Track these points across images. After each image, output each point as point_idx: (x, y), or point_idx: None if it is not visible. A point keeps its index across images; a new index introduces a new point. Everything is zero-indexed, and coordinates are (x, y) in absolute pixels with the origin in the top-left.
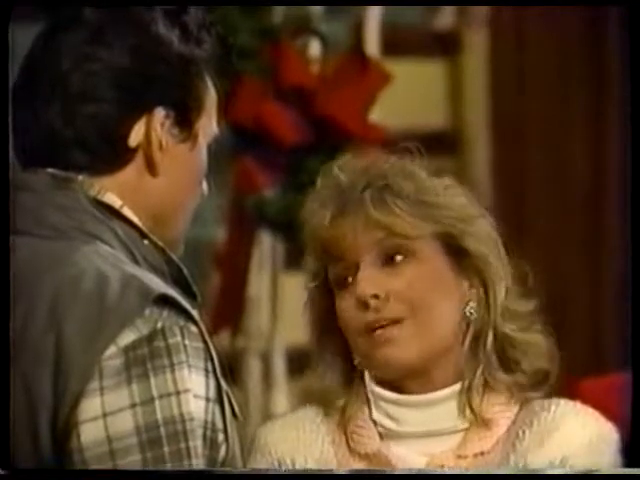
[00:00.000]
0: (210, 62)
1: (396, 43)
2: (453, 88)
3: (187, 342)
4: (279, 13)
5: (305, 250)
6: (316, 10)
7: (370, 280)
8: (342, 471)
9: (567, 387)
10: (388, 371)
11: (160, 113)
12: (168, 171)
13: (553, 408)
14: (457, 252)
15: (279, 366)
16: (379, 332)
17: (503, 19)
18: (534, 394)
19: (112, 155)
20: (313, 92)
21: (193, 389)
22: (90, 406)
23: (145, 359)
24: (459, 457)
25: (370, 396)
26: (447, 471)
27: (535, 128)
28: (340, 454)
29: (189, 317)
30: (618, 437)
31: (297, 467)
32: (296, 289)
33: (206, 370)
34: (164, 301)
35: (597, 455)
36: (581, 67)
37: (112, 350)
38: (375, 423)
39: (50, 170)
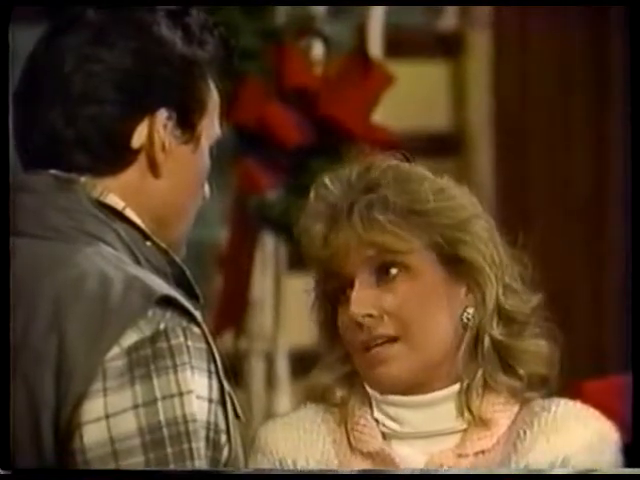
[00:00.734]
0: (212, 64)
1: (399, 44)
2: (456, 89)
3: (190, 343)
4: (282, 14)
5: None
6: (319, 11)
7: (363, 299)
8: (344, 471)
9: (568, 388)
10: (383, 389)
11: (163, 114)
12: (171, 173)
13: (554, 408)
14: (452, 259)
15: (282, 367)
16: (374, 351)
17: (506, 20)
18: (534, 395)
19: (114, 156)
20: (316, 93)
21: (196, 390)
22: (93, 407)
23: (148, 360)
24: (460, 456)
25: (372, 396)
26: (449, 470)
27: (538, 130)
28: (341, 453)
29: (192, 318)
30: (619, 437)
31: (298, 467)
32: (299, 290)
33: (209, 371)
34: (167, 302)
35: (598, 455)
36: (584, 69)
37: (115, 351)
38: (377, 422)
39: (52, 171)
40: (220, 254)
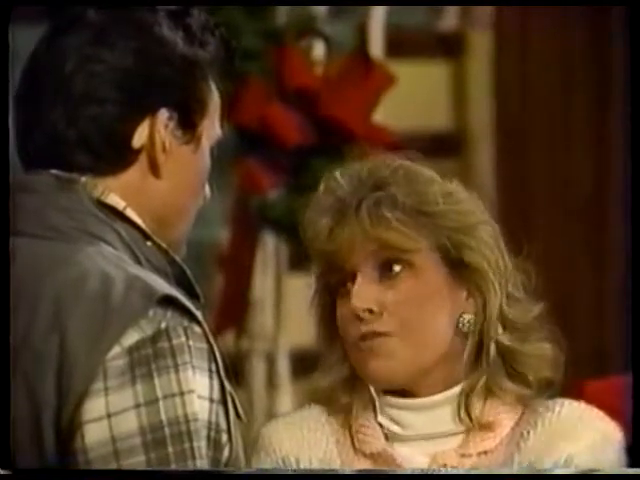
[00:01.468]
0: (213, 64)
1: (400, 45)
2: (456, 90)
3: (191, 343)
4: (283, 15)
5: (308, 254)
6: (320, 12)
7: (365, 293)
8: (346, 470)
9: (570, 389)
10: (376, 383)
11: (164, 115)
12: (171, 173)
13: (557, 409)
14: (455, 263)
15: (283, 367)
16: (368, 345)
17: (507, 21)
18: (539, 397)
19: (115, 156)
20: (317, 93)
21: (197, 390)
22: (94, 406)
23: (149, 359)
24: (463, 456)
25: (375, 397)
26: (451, 471)
27: (539, 130)
28: (344, 454)
29: (193, 318)
30: (622, 437)
31: (301, 466)
32: (300, 290)
33: (210, 371)
34: (168, 302)
35: (602, 455)
36: (585, 69)
37: (116, 350)
38: (380, 426)
39: (53, 171)
40: (221, 254)
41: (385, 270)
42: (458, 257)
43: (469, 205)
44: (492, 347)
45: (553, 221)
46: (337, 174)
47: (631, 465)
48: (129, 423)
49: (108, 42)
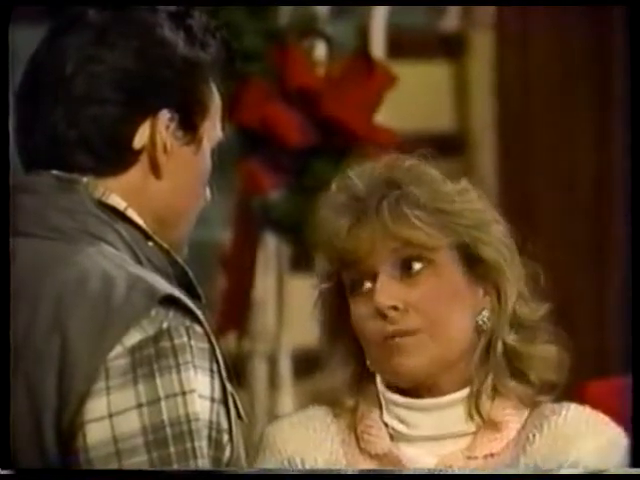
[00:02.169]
0: (214, 66)
1: (402, 45)
2: (458, 90)
3: (193, 343)
4: (285, 15)
5: (315, 252)
6: (322, 12)
7: (389, 291)
8: (351, 471)
9: (572, 389)
10: (400, 379)
11: (165, 116)
12: (172, 174)
13: (564, 412)
14: (472, 260)
15: (285, 368)
16: (395, 341)
17: (508, 21)
18: (544, 398)
19: (116, 157)
20: (319, 94)
21: (198, 389)
22: (96, 406)
23: (151, 359)
24: (469, 458)
25: (381, 398)
26: (457, 471)
27: (541, 130)
28: (350, 454)
29: (195, 318)
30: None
31: (306, 466)
32: (302, 291)
33: (211, 371)
34: (170, 302)
35: (607, 460)
36: (586, 69)
37: (118, 350)
38: (386, 425)
39: (54, 172)
40: (223, 254)
41: (405, 268)
42: (475, 254)
43: (481, 203)
44: (499, 345)
45: (555, 221)
46: (350, 173)
47: (631, 465)
48: (131, 423)
49: (109, 43)
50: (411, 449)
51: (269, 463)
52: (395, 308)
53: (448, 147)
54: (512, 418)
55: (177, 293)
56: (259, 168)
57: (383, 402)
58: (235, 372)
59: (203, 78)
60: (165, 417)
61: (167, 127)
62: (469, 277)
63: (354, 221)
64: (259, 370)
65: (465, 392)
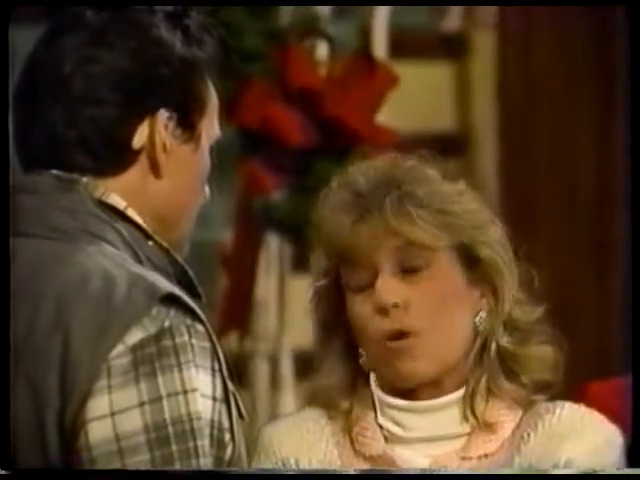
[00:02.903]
0: (211, 64)
1: (403, 45)
2: (460, 90)
3: (194, 341)
4: (286, 15)
5: (313, 249)
6: (323, 12)
7: (391, 288)
8: (346, 471)
9: (572, 390)
10: (401, 382)
11: (163, 115)
12: (172, 173)
13: (558, 411)
14: (471, 261)
15: (286, 368)
16: (396, 343)
17: (511, 21)
18: (538, 398)
19: (116, 157)
20: (320, 94)
21: (200, 388)
22: (98, 405)
23: (153, 358)
24: (463, 459)
25: (376, 400)
26: (451, 471)
27: (542, 131)
28: (344, 456)
29: (196, 316)
30: (623, 439)
31: (301, 467)
32: (303, 291)
33: (213, 369)
34: (171, 300)
35: (602, 458)
36: (589, 70)
37: (120, 349)
38: (380, 427)
39: (54, 172)
40: (224, 255)
41: (407, 267)
42: (474, 255)
43: (478, 204)
44: (493, 346)
45: (556, 222)
46: (354, 171)
47: (631, 465)
48: (133, 421)
49: (106, 43)
50: (406, 451)
51: (264, 464)
52: (397, 305)
53: (450, 147)
54: (507, 418)
55: (178, 291)
56: (260, 168)
57: (377, 404)
58: (237, 372)
59: (200, 76)
60: (167, 416)
61: (166, 126)
62: (467, 278)
63: (357, 218)
64: (260, 370)
65: (460, 393)
